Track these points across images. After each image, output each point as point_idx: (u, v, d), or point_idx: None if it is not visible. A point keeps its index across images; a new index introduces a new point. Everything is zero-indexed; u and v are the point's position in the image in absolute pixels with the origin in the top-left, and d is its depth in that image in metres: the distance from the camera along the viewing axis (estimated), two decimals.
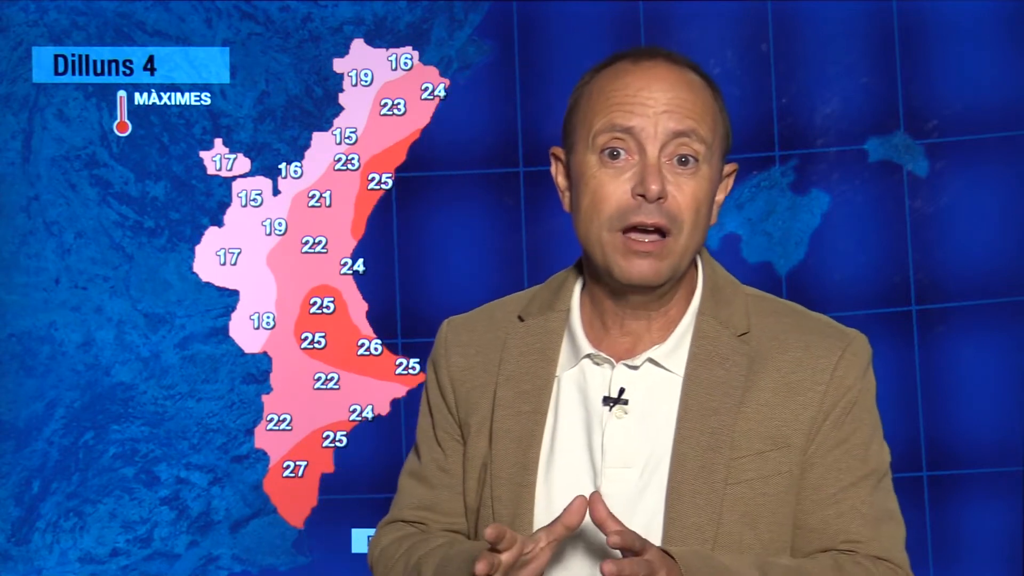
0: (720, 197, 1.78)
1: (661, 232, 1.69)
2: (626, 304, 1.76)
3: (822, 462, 1.72)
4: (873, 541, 1.72)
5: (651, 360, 1.75)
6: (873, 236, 3.09)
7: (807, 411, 1.72)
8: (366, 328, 3.24)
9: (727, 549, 1.68)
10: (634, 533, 1.58)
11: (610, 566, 1.52)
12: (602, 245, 1.71)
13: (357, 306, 3.24)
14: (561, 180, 1.79)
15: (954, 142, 3.08)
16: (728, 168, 1.79)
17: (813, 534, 1.72)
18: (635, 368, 1.75)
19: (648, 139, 1.69)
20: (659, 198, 1.67)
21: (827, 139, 3.12)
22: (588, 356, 1.77)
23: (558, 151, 1.80)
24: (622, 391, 1.74)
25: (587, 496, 1.61)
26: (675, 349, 1.75)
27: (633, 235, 1.69)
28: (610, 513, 1.59)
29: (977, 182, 3.07)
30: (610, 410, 1.74)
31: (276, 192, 3.24)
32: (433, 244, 3.23)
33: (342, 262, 3.24)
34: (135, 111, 3.23)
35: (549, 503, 1.73)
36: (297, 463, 3.22)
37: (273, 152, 3.24)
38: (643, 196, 1.68)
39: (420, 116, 3.22)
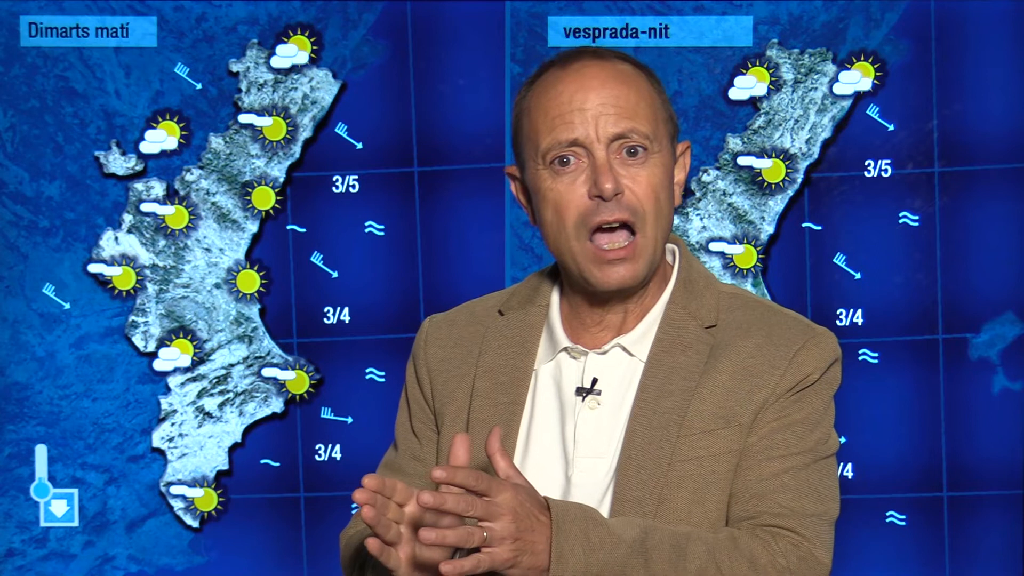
0: (680, 177, 1.80)
1: (628, 228, 1.72)
2: (605, 303, 1.78)
3: (758, 431, 1.72)
4: (789, 513, 1.70)
5: (620, 347, 1.77)
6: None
7: (761, 392, 1.72)
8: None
9: (673, 524, 1.68)
10: (481, 474, 1.53)
11: (426, 496, 1.49)
12: (573, 255, 1.74)
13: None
14: (522, 197, 1.82)
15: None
16: (681, 147, 1.81)
17: (733, 498, 1.72)
18: (604, 354, 1.77)
19: (592, 143, 1.71)
20: (616, 194, 1.70)
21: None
22: (565, 349, 1.79)
23: (513, 170, 1.82)
24: (595, 381, 1.76)
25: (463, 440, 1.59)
26: (643, 336, 1.78)
27: (603, 244, 1.72)
28: (502, 451, 1.57)
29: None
30: (583, 400, 1.76)
31: (172, 193, 3.24)
32: (331, 247, 3.24)
33: (239, 263, 3.24)
34: (28, 110, 3.23)
35: None
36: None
37: (170, 153, 3.24)
38: (600, 196, 1.70)
39: (314, 116, 3.22)
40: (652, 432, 1.71)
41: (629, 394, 1.75)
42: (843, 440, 3.15)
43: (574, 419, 1.76)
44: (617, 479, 1.71)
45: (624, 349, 1.78)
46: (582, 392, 1.76)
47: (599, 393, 1.76)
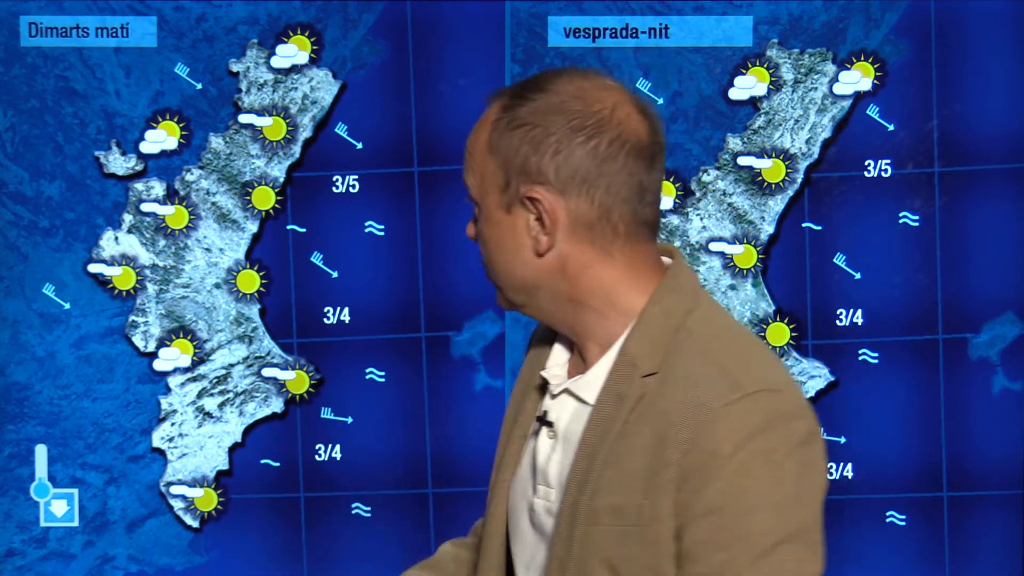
0: (535, 223, 1.68)
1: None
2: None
3: (689, 533, 1.61)
4: None
5: (567, 391, 1.75)
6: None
7: (669, 468, 1.61)
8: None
9: None
10: None
11: None
12: None
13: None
14: None
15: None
16: (524, 191, 1.67)
17: None
18: (554, 398, 1.76)
19: None
20: (475, 240, 1.76)
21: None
22: (542, 374, 1.81)
23: None
24: (545, 413, 1.76)
25: None
26: (595, 380, 1.72)
27: None
28: None
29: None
30: (541, 429, 1.77)
31: (172, 193, 3.24)
32: (331, 247, 3.24)
33: (239, 263, 3.24)
34: (28, 110, 3.23)
35: (511, 505, 1.80)
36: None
37: (170, 153, 3.24)
38: None
39: (314, 116, 3.22)
40: (574, 492, 1.67)
41: (573, 432, 1.72)
42: (843, 440, 3.15)
43: (534, 445, 1.78)
44: (554, 531, 1.71)
45: (570, 393, 1.74)
46: (541, 421, 1.77)
47: (551, 424, 1.75)
